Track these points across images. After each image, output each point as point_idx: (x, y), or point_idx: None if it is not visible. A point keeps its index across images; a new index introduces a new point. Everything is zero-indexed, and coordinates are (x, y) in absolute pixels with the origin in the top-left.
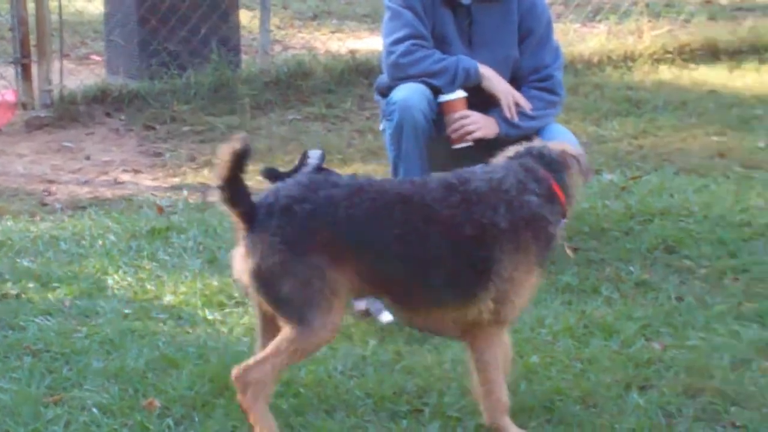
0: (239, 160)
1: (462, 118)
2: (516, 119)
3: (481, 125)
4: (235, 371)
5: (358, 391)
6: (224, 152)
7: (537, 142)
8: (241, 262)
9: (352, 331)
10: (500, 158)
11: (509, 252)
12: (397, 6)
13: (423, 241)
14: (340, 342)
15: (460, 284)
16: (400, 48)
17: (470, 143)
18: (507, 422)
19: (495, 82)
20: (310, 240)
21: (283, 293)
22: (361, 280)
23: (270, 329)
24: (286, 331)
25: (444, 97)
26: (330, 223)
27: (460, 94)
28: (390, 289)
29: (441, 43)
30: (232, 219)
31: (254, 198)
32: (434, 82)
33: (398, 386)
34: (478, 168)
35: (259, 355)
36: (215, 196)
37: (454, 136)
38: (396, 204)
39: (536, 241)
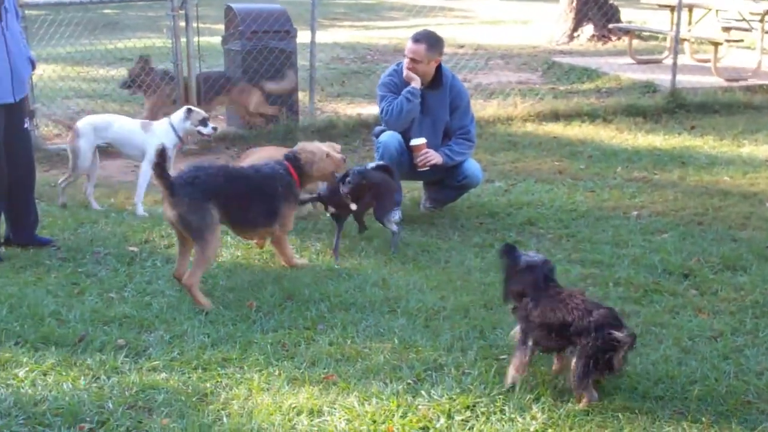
0: (163, 155)
1: (426, 153)
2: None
3: (435, 157)
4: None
5: (360, 298)
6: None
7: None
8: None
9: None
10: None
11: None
12: (383, 93)
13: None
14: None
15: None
16: (384, 109)
17: (428, 167)
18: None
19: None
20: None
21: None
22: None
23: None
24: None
25: (414, 142)
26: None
27: (423, 140)
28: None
29: None
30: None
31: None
32: (408, 116)
33: (382, 296)
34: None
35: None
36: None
37: (420, 164)
38: (239, 178)
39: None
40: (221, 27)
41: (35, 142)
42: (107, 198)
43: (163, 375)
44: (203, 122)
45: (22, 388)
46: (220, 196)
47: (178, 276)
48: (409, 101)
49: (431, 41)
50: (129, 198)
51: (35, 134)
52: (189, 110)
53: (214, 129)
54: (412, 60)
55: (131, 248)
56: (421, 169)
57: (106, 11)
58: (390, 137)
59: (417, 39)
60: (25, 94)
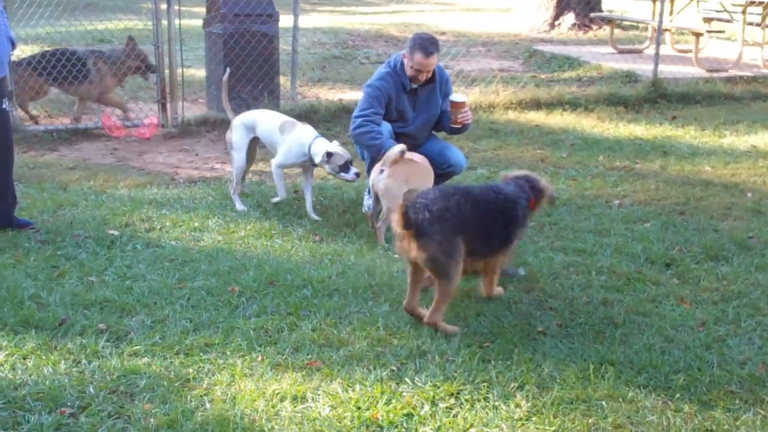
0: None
1: (467, 111)
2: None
3: (470, 117)
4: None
5: (343, 285)
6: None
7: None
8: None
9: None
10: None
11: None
12: (369, 92)
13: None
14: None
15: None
16: (357, 121)
17: (461, 125)
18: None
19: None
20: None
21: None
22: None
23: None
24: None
25: (456, 98)
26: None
27: (465, 97)
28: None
29: (401, 112)
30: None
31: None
32: (367, 150)
33: (365, 282)
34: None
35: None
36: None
37: (461, 120)
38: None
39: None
40: (202, 10)
41: (14, 123)
42: (86, 181)
43: (145, 360)
44: (345, 167)
45: (2, 372)
46: (467, 228)
47: (409, 309)
48: (376, 147)
49: (438, 46)
50: (108, 181)
51: (14, 115)
52: (329, 154)
53: (357, 174)
54: (429, 72)
55: (111, 232)
56: (455, 126)
57: None
58: (383, 126)
59: (430, 52)
60: (4, 74)
